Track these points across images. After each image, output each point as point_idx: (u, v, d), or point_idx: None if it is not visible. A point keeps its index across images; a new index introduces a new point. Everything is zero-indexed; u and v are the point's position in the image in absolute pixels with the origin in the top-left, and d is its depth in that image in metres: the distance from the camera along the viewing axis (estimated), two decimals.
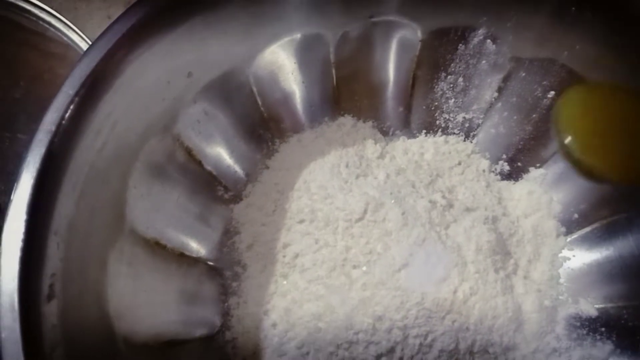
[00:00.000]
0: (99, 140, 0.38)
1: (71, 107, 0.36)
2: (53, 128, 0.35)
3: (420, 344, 0.44)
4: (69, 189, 0.36)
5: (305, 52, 0.52)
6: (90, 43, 0.55)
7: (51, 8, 0.57)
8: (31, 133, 0.36)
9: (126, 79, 0.39)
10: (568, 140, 0.30)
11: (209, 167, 0.51)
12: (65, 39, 0.58)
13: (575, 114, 0.31)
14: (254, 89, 0.52)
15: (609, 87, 0.35)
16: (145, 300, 0.43)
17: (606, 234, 0.50)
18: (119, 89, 0.39)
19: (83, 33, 0.57)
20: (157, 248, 0.46)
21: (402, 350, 0.44)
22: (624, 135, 0.33)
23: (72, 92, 0.36)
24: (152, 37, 0.41)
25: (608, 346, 0.46)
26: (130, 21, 0.39)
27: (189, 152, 0.49)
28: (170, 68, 0.44)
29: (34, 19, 0.58)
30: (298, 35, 0.51)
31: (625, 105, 0.33)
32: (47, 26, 0.58)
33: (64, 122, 0.36)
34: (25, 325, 0.31)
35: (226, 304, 0.49)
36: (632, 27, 0.44)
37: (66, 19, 0.57)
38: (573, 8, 0.46)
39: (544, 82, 0.51)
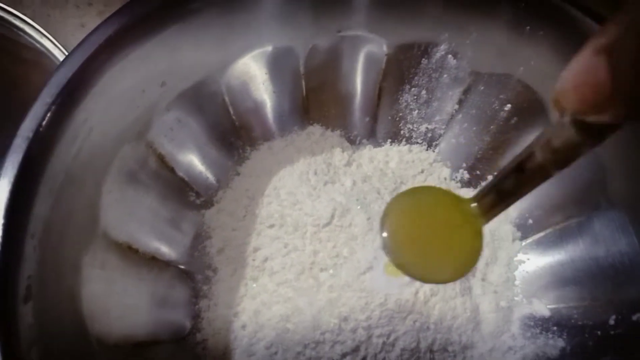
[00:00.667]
0: (75, 147, 0.40)
1: (48, 114, 0.37)
2: (30, 135, 0.36)
3: (384, 343, 0.46)
4: (45, 194, 0.37)
5: (276, 64, 0.54)
6: (63, 50, 0.56)
7: (24, 15, 0.58)
8: (3, 137, 0.37)
9: (102, 87, 0.41)
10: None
11: (181, 174, 0.52)
12: (38, 45, 0.58)
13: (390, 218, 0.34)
14: (226, 98, 0.54)
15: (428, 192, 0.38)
16: (117, 303, 0.44)
17: (558, 238, 0.53)
18: (95, 97, 0.40)
19: (56, 40, 0.57)
20: (129, 252, 0.47)
21: (366, 349, 0.46)
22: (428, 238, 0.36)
23: (49, 100, 0.38)
24: (128, 47, 0.42)
25: (560, 344, 0.49)
26: (107, 31, 0.41)
27: (161, 158, 0.50)
28: (145, 77, 0.45)
29: (7, 25, 0.58)
30: (269, 48, 0.53)
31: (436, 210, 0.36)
32: (21, 33, 0.58)
33: (41, 129, 0.37)
34: (3, 325, 0.32)
35: (197, 307, 0.50)
36: (581, 44, 0.47)
37: (39, 26, 0.58)
38: (528, 27, 0.49)
39: (501, 96, 0.54)
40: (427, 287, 0.48)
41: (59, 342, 0.37)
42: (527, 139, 0.53)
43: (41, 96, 0.38)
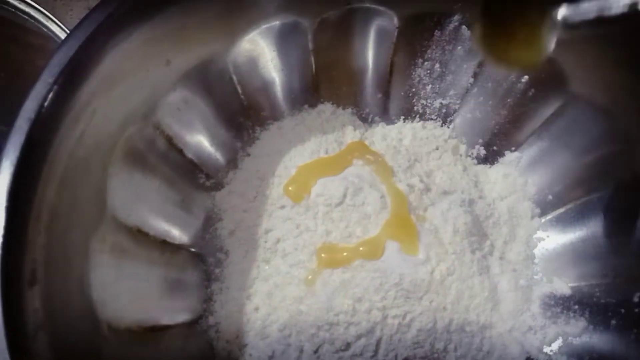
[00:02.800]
0: (78, 129, 0.39)
1: (50, 95, 0.36)
2: (32, 116, 0.36)
3: (399, 324, 0.45)
4: (49, 177, 0.36)
5: (284, 40, 0.53)
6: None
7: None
8: (11, 125, 0.36)
9: (104, 68, 0.40)
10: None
11: (189, 155, 0.52)
12: (44, 30, 0.58)
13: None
14: (234, 77, 0.53)
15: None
16: (128, 287, 0.44)
17: (579, 214, 0.51)
18: (98, 77, 0.39)
19: (62, 24, 0.57)
20: (139, 235, 0.46)
21: (382, 330, 0.45)
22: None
23: (50, 80, 0.37)
24: (130, 26, 0.41)
25: (581, 323, 0.48)
26: (107, 9, 0.40)
27: (169, 140, 0.49)
28: (149, 56, 0.44)
29: (13, 10, 0.58)
30: (276, 23, 0.52)
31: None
32: (26, 17, 0.58)
33: (43, 110, 0.36)
34: (7, 309, 0.32)
35: (209, 290, 0.50)
36: None
37: (45, 10, 0.57)
38: None
39: None
40: (443, 266, 0.47)
41: (67, 327, 0.36)
42: (546, 112, 0.52)
43: (42, 76, 0.37)
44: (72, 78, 0.38)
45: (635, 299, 0.45)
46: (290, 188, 0.50)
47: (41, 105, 0.36)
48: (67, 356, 0.36)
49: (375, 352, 0.45)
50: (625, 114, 0.47)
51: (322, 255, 0.47)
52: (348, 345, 0.45)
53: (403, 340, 0.45)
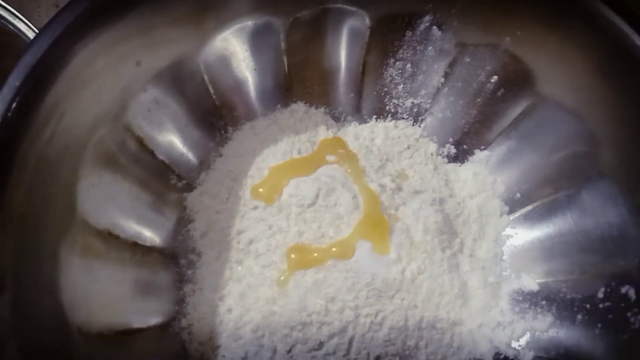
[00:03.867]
0: (47, 132, 0.38)
1: (17, 98, 0.36)
2: None
3: (371, 322, 0.46)
4: (17, 181, 0.36)
5: (257, 40, 0.53)
6: (37, 32, 0.54)
7: None
8: None
9: (73, 69, 0.39)
10: None
11: (161, 156, 0.51)
12: (11, 27, 0.56)
13: None
14: (205, 77, 0.52)
15: None
16: (99, 291, 0.43)
17: (547, 212, 0.52)
18: (66, 79, 0.39)
19: (30, 22, 0.56)
20: (110, 238, 0.46)
21: (354, 329, 0.45)
22: None
23: (17, 83, 0.37)
24: (98, 26, 0.40)
25: (549, 318, 0.49)
26: (76, 10, 0.39)
27: (140, 141, 0.49)
28: (119, 57, 0.44)
29: None
30: (249, 23, 0.51)
31: None
32: None
33: (9, 114, 0.36)
34: None
35: (181, 292, 0.50)
36: (569, 11, 0.46)
37: (12, 8, 0.56)
38: None
39: (488, 68, 0.53)
40: (414, 265, 0.48)
41: (38, 335, 0.36)
42: (515, 112, 0.53)
43: (9, 80, 0.37)
44: (39, 80, 0.38)
45: (600, 295, 0.46)
46: (260, 190, 0.50)
47: (7, 109, 0.36)
48: None
49: (348, 350, 0.45)
50: (592, 114, 0.48)
51: (292, 256, 0.47)
52: (321, 345, 0.45)
53: (375, 339, 0.46)
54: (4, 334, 0.33)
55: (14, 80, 0.37)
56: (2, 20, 0.56)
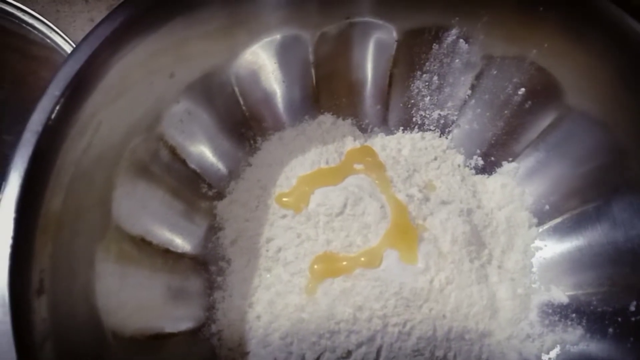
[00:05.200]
0: (84, 140, 0.40)
1: (57, 108, 0.37)
2: (40, 128, 0.36)
3: (399, 332, 0.46)
4: (56, 188, 0.37)
5: (285, 53, 0.54)
6: (73, 45, 0.56)
7: (33, 11, 0.58)
8: (16, 134, 0.37)
9: (110, 80, 0.41)
10: None
11: (192, 165, 0.52)
12: (48, 41, 0.58)
13: None
14: (236, 89, 0.53)
15: None
16: (132, 297, 0.44)
17: (576, 224, 0.52)
18: (103, 90, 0.40)
19: (66, 35, 0.57)
20: (143, 244, 0.47)
21: (382, 338, 0.45)
22: None
23: (57, 93, 0.38)
24: (134, 39, 0.42)
25: (579, 331, 0.49)
26: (113, 24, 0.41)
27: (172, 151, 0.50)
28: (153, 69, 0.45)
29: (17, 21, 0.58)
30: (278, 36, 0.53)
31: None
32: (30, 29, 0.59)
33: (50, 122, 0.37)
34: (16, 318, 0.32)
35: (211, 298, 0.50)
36: (593, 23, 0.46)
37: (49, 21, 0.58)
38: (540, 8, 0.48)
39: (515, 80, 0.53)
40: (442, 275, 0.48)
41: (73, 336, 0.37)
42: (543, 124, 0.53)
43: (49, 89, 0.38)
44: (78, 91, 0.39)
45: (632, 308, 0.46)
46: (284, 199, 0.51)
47: (48, 118, 0.37)
48: None
49: (376, 359, 0.46)
50: (618, 125, 0.48)
51: (315, 267, 0.48)
52: (349, 353, 0.45)
53: (403, 348, 0.46)
54: (43, 333, 0.34)
55: (54, 89, 0.38)
56: (40, 34, 0.58)
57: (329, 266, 0.47)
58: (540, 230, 0.54)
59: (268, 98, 0.56)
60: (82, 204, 0.40)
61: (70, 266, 0.39)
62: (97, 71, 0.40)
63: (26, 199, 0.35)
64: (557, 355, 0.49)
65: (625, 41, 0.45)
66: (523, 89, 0.53)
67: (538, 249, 0.53)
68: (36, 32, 0.59)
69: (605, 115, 0.49)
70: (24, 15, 0.58)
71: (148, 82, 0.45)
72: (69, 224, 0.39)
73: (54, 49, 0.58)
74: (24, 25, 0.59)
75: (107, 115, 0.41)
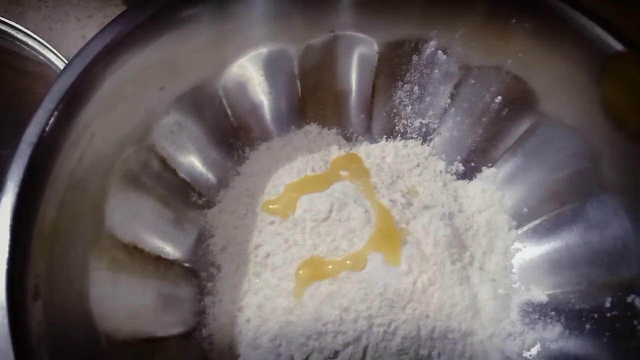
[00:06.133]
0: (78, 151, 0.41)
1: (51, 120, 0.39)
2: (35, 140, 0.38)
3: (384, 332, 0.47)
4: (51, 196, 0.38)
5: (271, 65, 0.56)
6: (66, 62, 0.57)
7: (27, 29, 0.60)
8: (12, 148, 0.38)
9: (102, 94, 0.42)
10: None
11: (182, 175, 0.54)
12: (41, 58, 0.60)
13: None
14: (224, 101, 0.55)
15: None
16: (124, 302, 0.46)
17: (553, 226, 0.54)
18: (96, 103, 0.42)
19: (59, 52, 0.59)
20: (135, 252, 0.48)
21: (368, 338, 0.47)
22: None
23: (51, 106, 0.39)
24: (125, 54, 0.43)
25: (558, 328, 0.50)
26: (105, 39, 0.42)
27: (163, 161, 0.52)
28: (144, 82, 0.47)
29: (10, 39, 0.60)
30: (264, 50, 0.54)
31: None
32: (24, 46, 0.60)
33: (44, 134, 0.38)
34: (13, 320, 0.33)
35: (202, 303, 0.52)
36: (564, 32, 0.49)
37: (42, 39, 0.59)
38: (513, 20, 0.50)
39: (492, 88, 0.55)
40: (425, 277, 0.49)
41: (68, 339, 0.38)
42: (519, 130, 0.55)
43: (43, 103, 0.39)
44: (71, 104, 0.40)
45: (607, 304, 0.47)
46: (270, 206, 0.53)
47: (43, 130, 0.38)
48: None
49: (363, 359, 0.47)
50: (593, 131, 0.50)
51: (300, 272, 0.49)
52: (336, 354, 0.47)
53: (389, 348, 0.47)
54: (39, 335, 0.35)
55: (48, 103, 0.39)
56: (34, 52, 0.60)
57: (314, 270, 0.49)
58: (520, 232, 0.56)
59: (255, 109, 0.58)
60: (76, 212, 0.42)
61: (65, 272, 0.40)
62: (89, 85, 0.41)
63: (22, 206, 0.36)
64: (538, 352, 0.50)
65: (592, 48, 0.47)
66: (500, 97, 0.55)
67: (518, 250, 0.55)
68: (30, 49, 0.60)
69: (580, 121, 0.51)
70: (17, 33, 0.60)
71: (139, 95, 0.47)
72: (64, 231, 0.40)
73: (48, 65, 0.60)
74: (17, 42, 0.60)
75: (100, 127, 0.43)
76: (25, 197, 0.37)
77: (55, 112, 0.39)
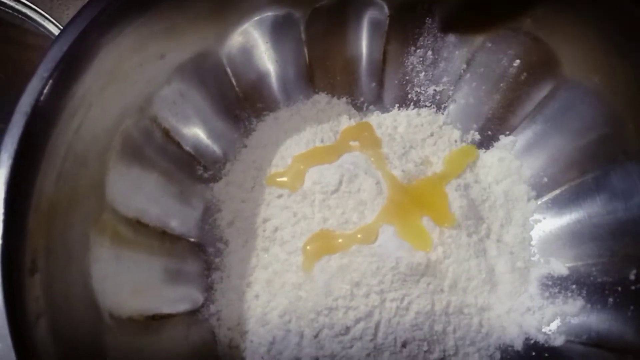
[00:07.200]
0: (75, 122, 0.39)
1: (45, 89, 0.37)
2: (29, 110, 0.36)
3: (397, 307, 0.45)
4: (47, 169, 0.37)
5: (277, 31, 0.54)
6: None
7: (27, 0, 0.58)
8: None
9: (99, 62, 0.41)
10: None
11: (187, 148, 0.52)
12: (42, 30, 0.58)
13: None
14: (228, 70, 0.53)
15: None
16: (129, 278, 0.44)
17: (575, 195, 0.51)
18: (93, 72, 0.40)
19: (60, 24, 0.57)
20: (139, 227, 0.47)
21: (380, 313, 0.45)
22: None
23: (45, 74, 0.38)
24: (123, 21, 0.42)
25: (579, 302, 0.48)
26: (100, 5, 0.40)
27: (166, 133, 0.50)
28: (143, 51, 0.45)
29: (10, 11, 0.58)
30: (268, 14, 0.52)
31: None
32: (24, 18, 0.59)
33: (39, 104, 0.37)
34: (9, 296, 0.32)
35: (209, 279, 0.50)
36: None
37: (42, 10, 0.58)
38: None
39: (510, 52, 0.53)
40: (439, 250, 0.47)
41: (69, 315, 0.37)
42: (539, 95, 0.52)
43: (38, 71, 0.38)
44: (67, 72, 0.39)
45: (632, 277, 0.45)
46: (277, 179, 0.51)
47: (37, 100, 0.37)
48: (69, 343, 0.36)
49: (375, 335, 0.45)
50: (615, 95, 0.47)
51: (307, 247, 0.47)
52: (347, 330, 0.45)
53: (402, 323, 0.46)
54: (37, 311, 0.34)
55: (42, 71, 0.38)
56: (34, 23, 0.59)
57: (323, 244, 0.47)
58: (539, 203, 0.53)
59: (261, 78, 0.56)
60: (75, 186, 0.40)
61: (65, 247, 0.39)
62: (85, 53, 0.40)
63: (16, 179, 0.35)
64: (558, 327, 0.48)
65: (613, 9, 0.44)
66: (518, 61, 0.52)
67: (537, 221, 0.53)
68: (30, 21, 0.59)
69: (601, 84, 0.48)
70: (17, 4, 0.58)
71: (138, 64, 0.45)
72: (63, 205, 0.39)
73: (48, 37, 0.58)
74: (17, 14, 0.59)
75: (98, 97, 0.41)
76: (20, 170, 0.35)
77: (50, 81, 0.38)
